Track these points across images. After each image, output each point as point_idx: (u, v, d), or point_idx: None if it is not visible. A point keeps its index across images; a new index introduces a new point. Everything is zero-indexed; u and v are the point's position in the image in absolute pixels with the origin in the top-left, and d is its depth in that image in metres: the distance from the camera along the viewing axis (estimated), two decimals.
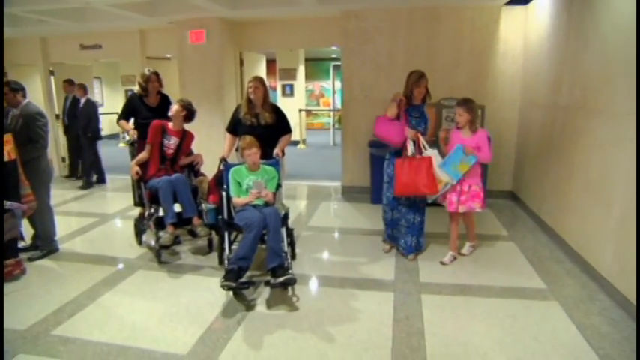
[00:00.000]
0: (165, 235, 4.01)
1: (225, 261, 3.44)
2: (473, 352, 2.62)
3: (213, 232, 4.20)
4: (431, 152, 3.78)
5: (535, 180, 5.15)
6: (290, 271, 3.29)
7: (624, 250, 3.09)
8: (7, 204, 3.37)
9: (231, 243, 3.68)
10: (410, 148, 3.74)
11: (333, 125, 12.33)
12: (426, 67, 4.56)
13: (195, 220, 4.12)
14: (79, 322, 3.07)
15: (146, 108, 4.58)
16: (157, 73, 4.70)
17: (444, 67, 5.86)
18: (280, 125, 4.12)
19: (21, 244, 4.08)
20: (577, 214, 3.89)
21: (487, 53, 5.87)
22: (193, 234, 4.50)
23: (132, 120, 4.65)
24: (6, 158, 3.44)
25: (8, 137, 3.53)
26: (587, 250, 3.68)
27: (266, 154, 3.82)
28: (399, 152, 3.85)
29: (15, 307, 3.26)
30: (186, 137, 4.36)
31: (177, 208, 4.12)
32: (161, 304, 3.31)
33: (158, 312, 3.19)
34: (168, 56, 7.92)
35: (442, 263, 3.87)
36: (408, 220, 3.93)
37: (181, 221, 4.12)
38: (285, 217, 3.71)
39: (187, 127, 4.41)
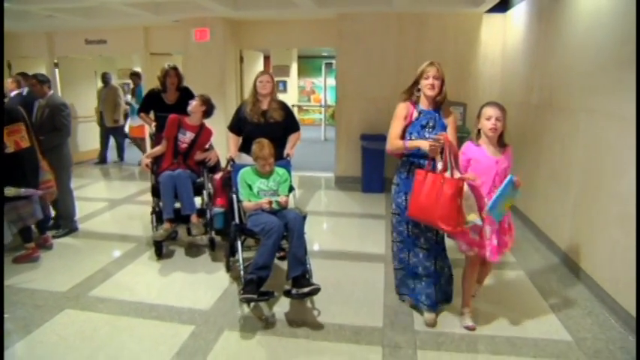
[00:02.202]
0: (159, 231, 3.91)
1: (241, 271, 3.14)
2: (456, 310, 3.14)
3: (213, 232, 4.01)
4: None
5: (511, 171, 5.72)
6: (312, 280, 3.09)
7: (579, 225, 3.66)
8: (23, 191, 3.63)
9: (236, 250, 3.36)
10: (439, 164, 2.70)
11: (325, 121, 12.83)
12: (414, 67, 5.01)
13: (194, 218, 3.95)
14: (111, 286, 3.52)
15: (163, 105, 4.51)
16: (175, 68, 4.58)
17: None
18: (289, 123, 3.93)
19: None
20: (542, 198, 4.46)
21: (469, 56, 6.43)
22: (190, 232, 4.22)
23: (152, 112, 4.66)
24: (13, 148, 3.59)
25: (19, 126, 3.67)
26: (550, 228, 4.25)
27: (275, 154, 3.47)
28: (411, 168, 2.90)
29: (53, 274, 3.70)
30: (202, 132, 4.20)
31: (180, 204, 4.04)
32: (181, 272, 3.76)
33: (179, 279, 3.65)
34: (171, 53, 8.30)
35: (468, 329, 2.86)
36: (426, 268, 2.93)
37: (180, 218, 3.97)
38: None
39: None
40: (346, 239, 4.57)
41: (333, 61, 7.85)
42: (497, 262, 2.95)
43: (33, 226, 4.03)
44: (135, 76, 8.60)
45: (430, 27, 6.36)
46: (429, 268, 2.92)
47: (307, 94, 15.56)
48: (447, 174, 2.61)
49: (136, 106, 7.82)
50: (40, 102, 4.46)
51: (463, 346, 2.71)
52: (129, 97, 9.18)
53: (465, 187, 2.60)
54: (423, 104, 2.90)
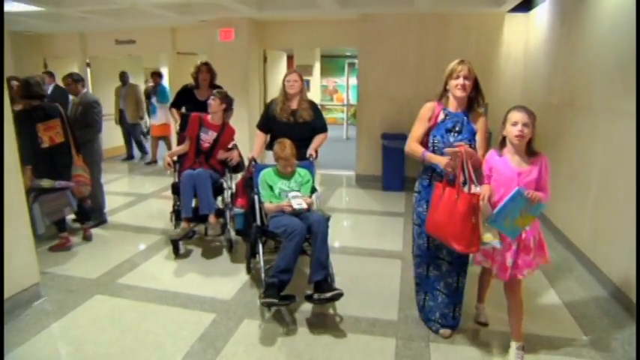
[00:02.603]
0: (177, 230, 3.94)
1: (262, 274, 3.12)
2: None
3: (232, 233, 3.96)
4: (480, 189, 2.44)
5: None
6: (335, 284, 3.01)
7: (599, 225, 3.65)
8: (57, 183, 3.89)
9: (257, 252, 3.29)
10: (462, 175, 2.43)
11: (347, 120, 12.91)
12: (435, 68, 5.09)
13: (212, 218, 3.87)
14: (137, 275, 3.70)
15: (195, 102, 4.53)
16: (207, 64, 4.62)
17: None
18: (317, 123, 3.83)
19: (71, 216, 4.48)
20: (561, 198, 4.44)
21: (491, 56, 6.41)
22: (207, 232, 4.34)
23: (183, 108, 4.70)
24: (48, 143, 3.85)
25: (55, 122, 3.92)
26: (568, 228, 4.24)
27: (300, 155, 3.49)
28: (434, 175, 2.70)
29: (84, 263, 3.91)
30: (224, 131, 4.16)
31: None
32: (203, 266, 3.89)
33: (202, 271, 3.79)
34: (196, 52, 8.53)
35: (481, 324, 2.91)
36: (448, 285, 2.74)
37: (197, 217, 3.92)
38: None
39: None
40: (365, 236, 4.66)
41: (356, 61, 7.92)
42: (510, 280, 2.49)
43: (69, 218, 4.25)
44: (156, 75, 8.53)
45: (452, 27, 6.37)
46: (451, 286, 2.71)
47: (330, 93, 15.67)
48: (466, 188, 2.41)
49: (157, 105, 8.09)
50: (74, 99, 4.70)
51: (476, 340, 2.76)
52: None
53: (485, 202, 2.38)
54: (451, 106, 2.67)
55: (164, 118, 8.08)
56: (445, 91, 2.68)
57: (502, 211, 2.31)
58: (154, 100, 8.17)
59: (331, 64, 15.04)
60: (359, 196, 6.44)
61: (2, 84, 2.86)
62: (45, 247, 4.10)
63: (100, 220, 4.91)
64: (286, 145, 3.28)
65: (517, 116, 2.37)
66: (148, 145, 8.94)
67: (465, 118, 2.64)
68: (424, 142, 2.67)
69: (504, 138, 2.46)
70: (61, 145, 4.00)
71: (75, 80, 4.65)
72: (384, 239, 4.54)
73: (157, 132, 8.38)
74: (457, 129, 2.62)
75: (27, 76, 4.01)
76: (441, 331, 2.77)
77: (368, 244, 4.40)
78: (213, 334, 2.82)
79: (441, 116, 2.65)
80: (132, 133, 8.76)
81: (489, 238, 2.39)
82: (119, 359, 2.57)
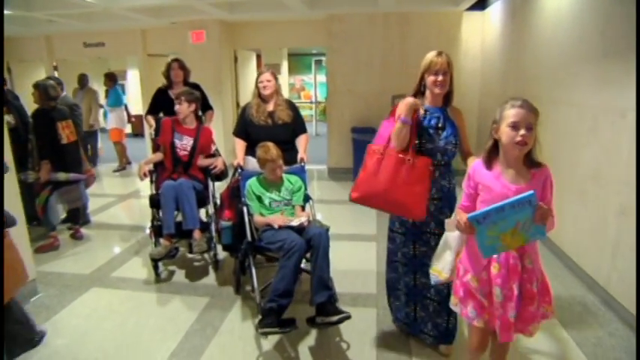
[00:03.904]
0: (158, 248, 3.49)
1: (257, 296, 2.81)
2: None
3: (219, 249, 3.58)
4: (453, 225, 2.00)
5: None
6: (339, 305, 2.69)
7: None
8: (71, 176, 4.21)
9: (247, 269, 3.01)
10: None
11: (316, 117, 13.21)
12: (399, 64, 5.48)
13: (197, 234, 3.53)
14: (129, 269, 3.89)
15: (171, 103, 3.92)
16: (178, 60, 4.43)
17: (414, 63, 6.55)
18: (297, 124, 3.57)
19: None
20: None
21: (451, 52, 6.67)
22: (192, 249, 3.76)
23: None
24: (65, 140, 4.19)
25: (68, 122, 4.26)
26: None
27: (286, 160, 3.19)
28: None
29: (75, 260, 4.08)
30: (200, 134, 3.79)
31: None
32: (189, 260, 4.11)
33: (188, 264, 4.02)
34: (167, 54, 8.61)
35: None
36: (439, 292, 2.49)
37: (181, 233, 3.56)
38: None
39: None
40: (340, 223, 4.96)
41: (323, 58, 8.22)
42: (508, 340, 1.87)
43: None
44: (108, 77, 7.90)
45: (414, 25, 6.78)
46: (443, 292, 2.45)
47: (297, 91, 15.92)
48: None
49: (108, 109, 7.77)
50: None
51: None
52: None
53: (454, 231, 2.03)
54: (428, 100, 2.45)
55: (115, 122, 7.79)
56: (421, 85, 2.44)
57: (496, 212, 1.69)
58: (104, 102, 7.84)
59: (298, 62, 15.29)
60: (332, 187, 6.77)
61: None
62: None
63: (85, 220, 5.04)
64: (270, 147, 3.04)
65: (518, 115, 1.76)
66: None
67: (443, 113, 2.43)
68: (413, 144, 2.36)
69: (495, 143, 1.87)
70: (75, 142, 4.36)
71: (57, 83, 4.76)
72: (359, 225, 4.89)
73: (114, 137, 7.89)
74: (441, 125, 2.41)
75: (42, 81, 4.28)
76: (442, 347, 2.58)
77: (344, 230, 4.72)
78: (209, 314, 3.08)
79: (421, 112, 2.40)
80: (87, 140, 7.28)
81: (436, 270, 2.15)
82: (124, 342, 2.79)
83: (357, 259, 3.97)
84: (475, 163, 1.98)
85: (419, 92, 2.46)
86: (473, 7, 6.48)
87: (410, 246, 2.56)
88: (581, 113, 3.47)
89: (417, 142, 2.38)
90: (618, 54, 3.03)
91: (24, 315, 2.63)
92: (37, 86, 4.12)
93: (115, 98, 7.91)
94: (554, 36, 4.05)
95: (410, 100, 2.33)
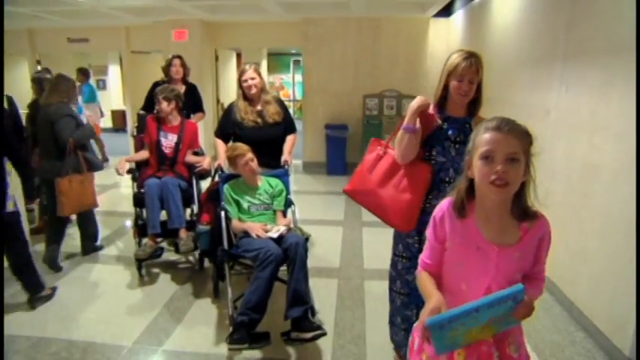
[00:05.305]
0: (143, 247, 3.46)
1: (230, 308, 2.65)
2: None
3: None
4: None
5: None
6: (317, 320, 2.57)
7: None
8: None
9: (225, 276, 2.84)
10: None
11: (294, 114, 13.63)
12: (371, 66, 5.93)
13: (183, 233, 3.46)
14: (116, 248, 4.25)
15: None
16: (180, 57, 4.39)
17: (385, 65, 7.32)
18: (287, 122, 3.39)
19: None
20: None
21: (419, 55, 7.37)
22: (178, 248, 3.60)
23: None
24: None
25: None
26: None
27: (274, 163, 3.15)
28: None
29: (64, 242, 4.38)
30: (185, 130, 3.71)
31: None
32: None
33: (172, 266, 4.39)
34: (150, 51, 8.91)
35: None
36: None
37: (166, 232, 3.52)
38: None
39: None
40: (312, 210, 5.43)
41: (301, 58, 8.65)
42: None
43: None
44: (81, 73, 7.86)
45: (384, 30, 7.27)
46: None
47: (277, 89, 16.28)
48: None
49: (83, 105, 7.59)
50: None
51: None
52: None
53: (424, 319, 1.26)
54: (451, 109, 2.07)
55: (89, 118, 7.90)
56: (445, 90, 2.03)
57: (467, 314, 1.18)
58: (79, 99, 7.80)
59: (278, 61, 15.66)
60: (306, 180, 7.21)
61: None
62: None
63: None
64: (236, 145, 2.99)
65: (492, 141, 1.23)
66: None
67: (468, 124, 2.04)
68: (420, 156, 2.08)
69: (471, 183, 1.32)
70: None
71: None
72: (328, 212, 5.36)
73: None
74: (459, 139, 2.02)
75: (38, 75, 4.61)
76: None
77: (314, 215, 5.18)
78: (193, 283, 3.51)
79: (439, 121, 2.06)
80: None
81: None
82: (121, 304, 3.18)
83: (324, 238, 4.42)
84: (444, 204, 1.39)
85: (442, 98, 2.06)
86: (439, 14, 7.00)
87: (413, 274, 1.94)
88: (519, 111, 3.99)
89: (426, 153, 2.07)
90: (544, 60, 3.56)
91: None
92: (34, 80, 4.41)
93: (89, 94, 8.01)
94: (501, 43, 4.58)
95: (415, 102, 1.99)
